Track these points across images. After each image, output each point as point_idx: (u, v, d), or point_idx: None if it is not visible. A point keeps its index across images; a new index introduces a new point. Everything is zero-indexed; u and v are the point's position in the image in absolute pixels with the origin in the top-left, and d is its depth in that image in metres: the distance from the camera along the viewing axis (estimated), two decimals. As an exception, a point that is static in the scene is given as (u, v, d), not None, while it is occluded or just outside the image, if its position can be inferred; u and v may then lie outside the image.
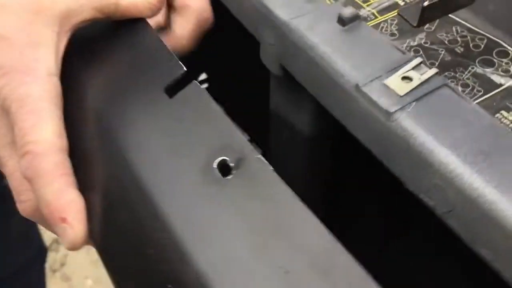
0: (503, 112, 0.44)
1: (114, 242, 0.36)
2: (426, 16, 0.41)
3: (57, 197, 0.36)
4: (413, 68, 0.36)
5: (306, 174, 0.56)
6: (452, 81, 0.47)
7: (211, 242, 0.29)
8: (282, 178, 0.31)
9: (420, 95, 0.35)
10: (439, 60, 0.48)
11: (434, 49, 0.49)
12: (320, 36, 0.40)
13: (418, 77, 0.35)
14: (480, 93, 0.45)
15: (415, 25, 0.42)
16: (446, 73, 0.47)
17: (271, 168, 0.31)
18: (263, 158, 0.31)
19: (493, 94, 0.45)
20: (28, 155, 0.36)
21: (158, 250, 0.31)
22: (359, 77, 0.37)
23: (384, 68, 0.37)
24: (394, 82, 0.35)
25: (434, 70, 0.36)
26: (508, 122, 0.43)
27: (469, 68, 0.47)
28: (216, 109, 0.34)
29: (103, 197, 0.36)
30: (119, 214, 0.35)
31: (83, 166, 0.37)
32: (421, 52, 0.49)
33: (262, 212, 0.30)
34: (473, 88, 0.46)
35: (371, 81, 0.36)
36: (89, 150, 0.38)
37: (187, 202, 0.31)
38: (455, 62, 0.48)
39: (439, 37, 0.50)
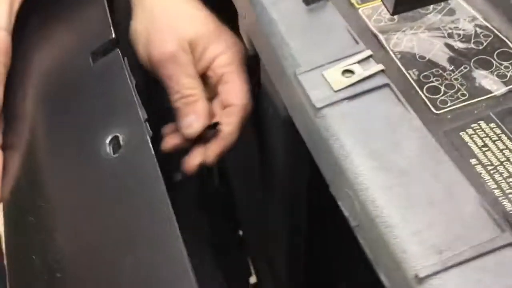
0: (481, 123, 0.39)
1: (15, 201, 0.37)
2: (401, 4, 0.36)
3: None
4: (359, 62, 0.32)
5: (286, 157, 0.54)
6: (437, 80, 0.42)
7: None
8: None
9: (355, 93, 0.31)
10: (430, 54, 0.43)
11: (429, 41, 0.44)
12: (280, 12, 0.37)
13: (360, 72, 0.32)
14: (464, 98, 0.40)
15: (390, 12, 0.37)
16: (433, 70, 0.42)
17: (153, 153, 0.30)
18: (149, 142, 0.31)
19: (477, 101, 0.40)
20: None
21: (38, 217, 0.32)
22: (301, 63, 0.34)
23: (330, 57, 0.33)
24: (333, 74, 0.32)
25: (379, 67, 0.32)
26: (482, 135, 0.38)
27: (461, 68, 0.42)
28: (126, 83, 0.34)
29: (16, 159, 0.37)
30: (20, 178, 0.36)
31: (13, 125, 0.38)
32: (414, 42, 0.44)
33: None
34: (457, 90, 0.41)
35: (311, 70, 0.33)
36: (19, 111, 0.39)
37: (71, 175, 0.32)
38: (447, 59, 0.43)
39: (441, 27, 0.45)
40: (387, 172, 0.28)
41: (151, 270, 0.28)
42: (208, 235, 0.74)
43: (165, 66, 0.46)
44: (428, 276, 0.24)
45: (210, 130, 0.46)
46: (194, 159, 0.47)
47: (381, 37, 0.44)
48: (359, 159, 0.28)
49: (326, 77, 0.32)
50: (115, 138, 0.33)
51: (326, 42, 0.34)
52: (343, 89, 0.31)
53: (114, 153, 0.32)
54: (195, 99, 0.46)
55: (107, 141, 0.33)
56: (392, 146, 0.28)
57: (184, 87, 0.46)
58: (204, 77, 0.48)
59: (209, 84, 0.49)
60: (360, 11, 0.46)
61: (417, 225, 0.26)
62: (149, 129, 0.32)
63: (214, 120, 0.48)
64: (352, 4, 0.46)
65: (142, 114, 0.33)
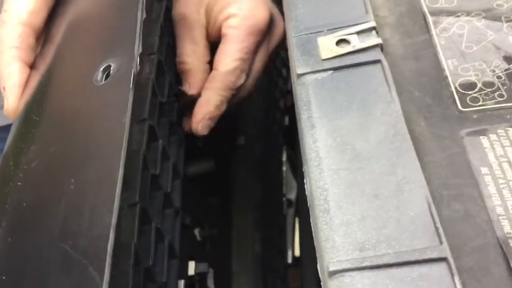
0: (510, 130, 0.33)
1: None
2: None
3: (2, 67, 0.39)
4: (359, 33, 0.29)
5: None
6: (476, 75, 0.36)
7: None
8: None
9: (341, 64, 0.28)
10: (479, 46, 0.38)
11: (483, 31, 0.38)
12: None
13: (355, 44, 0.29)
14: (500, 99, 0.35)
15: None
16: (476, 64, 0.37)
17: (131, 88, 0.30)
18: (132, 77, 0.31)
19: (516, 105, 0.35)
20: (0, 21, 0.40)
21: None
22: (300, 26, 0.31)
23: (333, 23, 0.30)
24: (326, 42, 0.29)
25: (376, 41, 0.28)
26: (506, 144, 0.33)
27: (509, 66, 0.36)
28: (135, 16, 0.34)
29: (35, 78, 0.39)
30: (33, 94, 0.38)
31: (44, 48, 0.40)
32: (465, 30, 0.39)
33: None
34: (496, 90, 0.35)
35: (307, 34, 0.30)
36: (51, 35, 0.41)
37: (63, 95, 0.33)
38: (497, 53, 0.37)
39: (504, 18, 0.39)
40: (341, 153, 0.25)
41: (82, 195, 0.29)
42: (258, 203, 0.74)
43: (176, 27, 0.47)
44: (338, 272, 0.21)
45: None
46: (185, 126, 0.46)
47: (430, 19, 0.40)
48: (319, 134, 0.26)
49: (318, 43, 0.29)
50: (108, 67, 0.33)
51: (335, 7, 0.31)
52: (330, 58, 0.28)
53: (104, 80, 0.33)
54: (189, 67, 0.45)
55: (101, 68, 0.34)
56: (358, 128, 0.26)
57: (183, 52, 0.46)
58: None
59: None
60: (418, -14, 0.42)
61: (349, 216, 0.23)
62: (138, 64, 0.33)
63: None
64: (411, -22, 0.42)
65: (138, 48, 0.33)
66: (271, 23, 0.45)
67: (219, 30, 0.45)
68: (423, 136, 0.31)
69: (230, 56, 0.44)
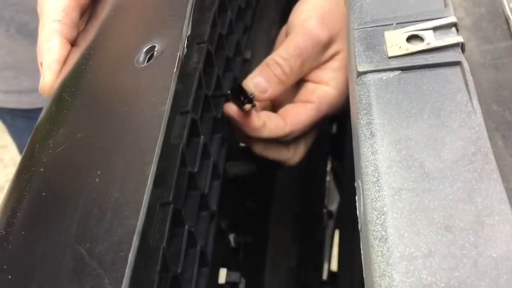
0: None
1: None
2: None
3: (42, 41, 0.37)
4: (436, 28, 0.24)
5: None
6: None
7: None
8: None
9: (412, 64, 0.24)
10: None
11: None
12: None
13: (430, 41, 0.24)
14: None
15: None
16: None
17: (175, 70, 0.28)
18: (178, 60, 0.28)
19: None
20: None
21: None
22: (365, 17, 0.27)
23: (404, 16, 0.26)
24: (396, 37, 0.25)
25: (457, 39, 0.24)
26: None
27: None
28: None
29: (76, 54, 0.36)
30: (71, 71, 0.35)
31: (91, 27, 0.37)
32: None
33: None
34: None
35: (372, 27, 0.26)
36: (95, 12, 0.38)
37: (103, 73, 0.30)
38: None
39: None
40: (406, 170, 0.20)
41: (107, 191, 0.25)
42: (298, 213, 0.71)
43: (298, 37, 0.44)
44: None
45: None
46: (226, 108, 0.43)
47: (514, 22, 0.34)
48: (380, 144, 0.21)
49: (386, 38, 0.25)
50: (152, 48, 0.30)
51: (408, -2, 0.27)
52: (399, 56, 0.24)
53: (146, 62, 0.30)
54: (276, 68, 0.43)
55: (145, 49, 0.31)
56: (429, 140, 0.21)
57: (282, 56, 0.43)
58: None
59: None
60: (501, -14, 0.37)
61: (412, 249, 0.18)
62: (185, 48, 0.29)
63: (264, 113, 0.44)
64: (494, -23, 0.37)
65: (186, 29, 0.30)
66: None
67: (311, 71, 0.44)
68: (501, 159, 0.26)
69: (300, 118, 0.43)
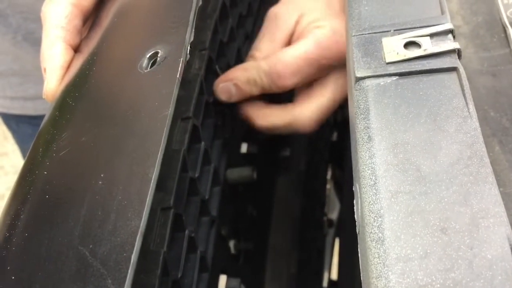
0: None
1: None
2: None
3: (45, 47, 0.37)
4: (432, 35, 0.25)
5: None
6: None
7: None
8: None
9: (409, 69, 0.24)
10: None
11: None
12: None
13: (427, 47, 0.24)
14: None
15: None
16: None
17: (178, 76, 0.28)
18: (181, 66, 0.28)
19: None
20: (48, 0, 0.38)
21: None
22: (363, 24, 0.27)
23: (401, 23, 0.26)
24: (393, 43, 0.25)
25: (453, 45, 0.24)
26: None
27: None
28: (190, 3, 0.31)
29: (79, 61, 0.37)
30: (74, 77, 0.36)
31: (94, 34, 0.38)
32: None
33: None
34: None
35: (370, 33, 0.26)
36: (99, 19, 0.39)
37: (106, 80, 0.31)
38: None
39: None
40: (403, 173, 0.21)
41: (110, 193, 0.26)
42: (298, 220, 0.71)
43: (264, 23, 0.46)
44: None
45: None
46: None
47: (511, 31, 0.35)
48: (378, 148, 0.22)
49: (383, 45, 0.25)
50: (155, 54, 0.31)
51: (406, 5, 0.27)
52: (396, 62, 0.24)
53: (149, 68, 0.30)
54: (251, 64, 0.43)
55: (148, 54, 0.31)
56: (426, 144, 0.21)
57: (258, 47, 0.44)
58: None
59: None
60: (498, -4, 0.37)
61: (408, 251, 0.19)
62: (188, 54, 0.30)
63: None
64: (490, -14, 0.37)
65: (189, 35, 0.30)
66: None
67: (301, 38, 0.43)
68: (497, 164, 0.27)
69: (295, 52, 0.41)
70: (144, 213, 0.24)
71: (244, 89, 0.42)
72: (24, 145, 0.86)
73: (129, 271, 0.22)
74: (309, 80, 0.43)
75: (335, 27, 0.42)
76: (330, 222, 0.78)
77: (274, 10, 0.46)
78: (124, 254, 0.23)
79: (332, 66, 0.43)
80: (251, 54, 0.45)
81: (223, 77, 0.43)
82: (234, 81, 0.42)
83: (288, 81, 0.42)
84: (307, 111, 0.43)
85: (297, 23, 0.44)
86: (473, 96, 0.27)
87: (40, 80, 0.49)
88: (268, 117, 0.44)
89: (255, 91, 0.43)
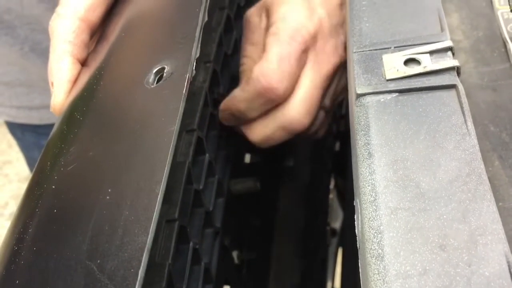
0: None
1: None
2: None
3: (53, 61, 0.38)
4: (432, 52, 0.25)
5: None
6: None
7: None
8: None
9: (409, 86, 0.24)
10: None
11: None
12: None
13: (426, 65, 0.25)
14: None
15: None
16: None
17: (185, 91, 0.28)
18: (186, 82, 0.29)
19: None
20: (55, 14, 0.39)
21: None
22: (363, 41, 0.28)
23: (402, 40, 0.27)
24: (393, 60, 0.26)
25: (452, 63, 0.24)
26: None
27: None
28: (196, 19, 0.32)
29: (85, 75, 0.38)
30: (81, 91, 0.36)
31: (101, 48, 0.39)
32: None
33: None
34: None
35: (371, 50, 0.27)
36: (106, 33, 0.40)
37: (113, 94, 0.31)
38: None
39: None
40: (402, 190, 0.21)
41: (118, 208, 0.26)
42: (301, 230, 0.71)
43: (244, 29, 0.46)
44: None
45: None
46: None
47: (511, 46, 0.35)
48: (378, 164, 0.22)
49: (384, 62, 0.26)
50: (162, 69, 0.31)
51: (406, 23, 0.28)
52: (396, 79, 0.25)
53: (156, 83, 0.31)
54: (243, 68, 0.44)
55: (154, 70, 0.32)
56: (425, 161, 0.22)
57: (243, 54, 0.44)
58: None
59: None
60: (498, 13, 0.38)
61: (408, 267, 0.19)
62: (194, 69, 0.30)
63: None
64: (491, 3, 0.38)
65: (195, 51, 0.31)
66: (317, 36, 0.41)
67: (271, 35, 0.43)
68: (497, 179, 0.27)
69: (268, 60, 0.40)
70: (151, 230, 0.24)
71: (240, 111, 0.43)
72: (29, 153, 0.87)
73: (137, 286, 0.23)
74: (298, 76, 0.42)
75: (295, 8, 0.41)
76: (333, 232, 0.78)
77: (246, 14, 0.46)
78: (132, 270, 0.24)
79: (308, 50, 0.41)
80: (241, 63, 0.45)
81: (221, 106, 0.43)
82: (232, 109, 0.42)
83: (280, 89, 0.41)
84: (292, 108, 0.42)
85: (267, 18, 0.43)
86: (473, 110, 0.27)
87: (45, 91, 0.49)
88: (256, 130, 0.43)
89: (254, 114, 0.43)
